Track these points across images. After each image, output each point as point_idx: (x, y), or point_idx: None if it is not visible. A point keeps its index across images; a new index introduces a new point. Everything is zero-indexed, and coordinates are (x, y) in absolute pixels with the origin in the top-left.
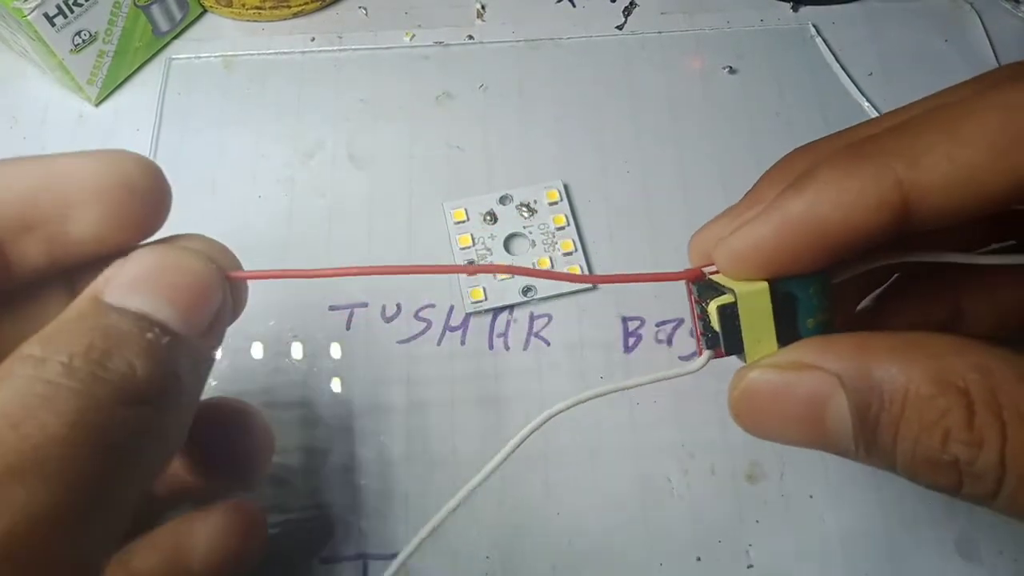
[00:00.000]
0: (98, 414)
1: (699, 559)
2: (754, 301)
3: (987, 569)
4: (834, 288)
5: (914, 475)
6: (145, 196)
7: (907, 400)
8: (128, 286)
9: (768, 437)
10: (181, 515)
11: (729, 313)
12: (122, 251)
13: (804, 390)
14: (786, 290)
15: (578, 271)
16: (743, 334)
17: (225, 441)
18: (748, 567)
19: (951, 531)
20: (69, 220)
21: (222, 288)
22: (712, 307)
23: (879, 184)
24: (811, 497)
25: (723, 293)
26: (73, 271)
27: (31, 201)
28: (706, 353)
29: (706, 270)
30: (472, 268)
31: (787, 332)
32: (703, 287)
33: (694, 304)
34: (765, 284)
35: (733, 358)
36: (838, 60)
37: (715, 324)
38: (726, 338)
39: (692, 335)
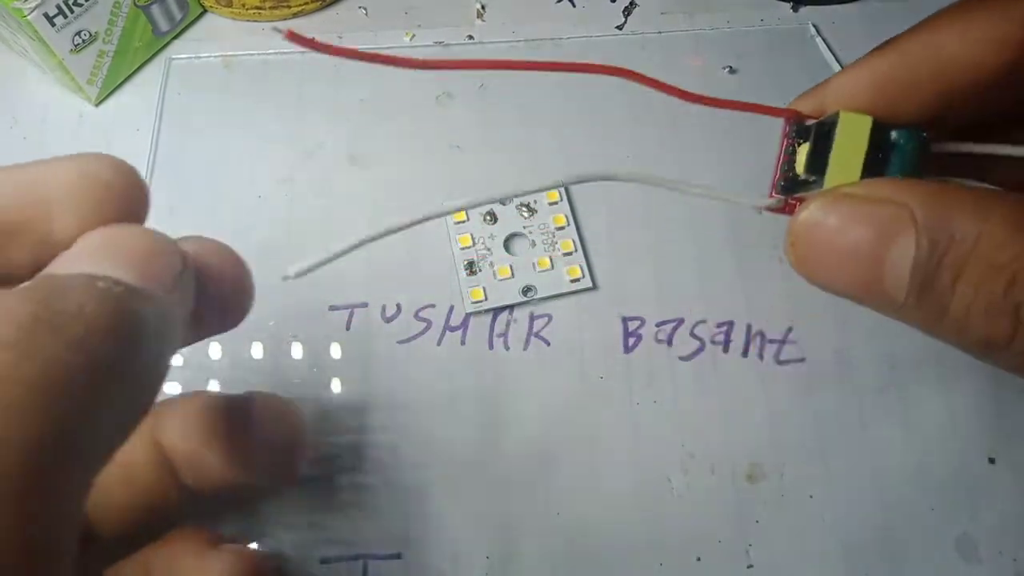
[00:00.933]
0: (37, 363)
1: (699, 559)
2: (854, 127)
3: (987, 569)
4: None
5: (964, 326)
6: (119, 193)
7: (979, 242)
8: (73, 257)
9: (818, 276)
10: (186, 551)
11: (826, 132)
12: None
13: (872, 223)
14: (888, 136)
15: (578, 272)
16: (831, 155)
17: (263, 434)
18: (748, 567)
19: (951, 531)
20: (51, 222)
21: (178, 252)
22: (805, 146)
23: (1005, 21)
24: (811, 497)
25: None
26: None
27: (13, 207)
28: (775, 197)
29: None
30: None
31: (875, 174)
32: (801, 130)
33: (785, 144)
34: (870, 117)
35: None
36: (838, 60)
37: (801, 164)
38: (812, 155)
39: (771, 178)
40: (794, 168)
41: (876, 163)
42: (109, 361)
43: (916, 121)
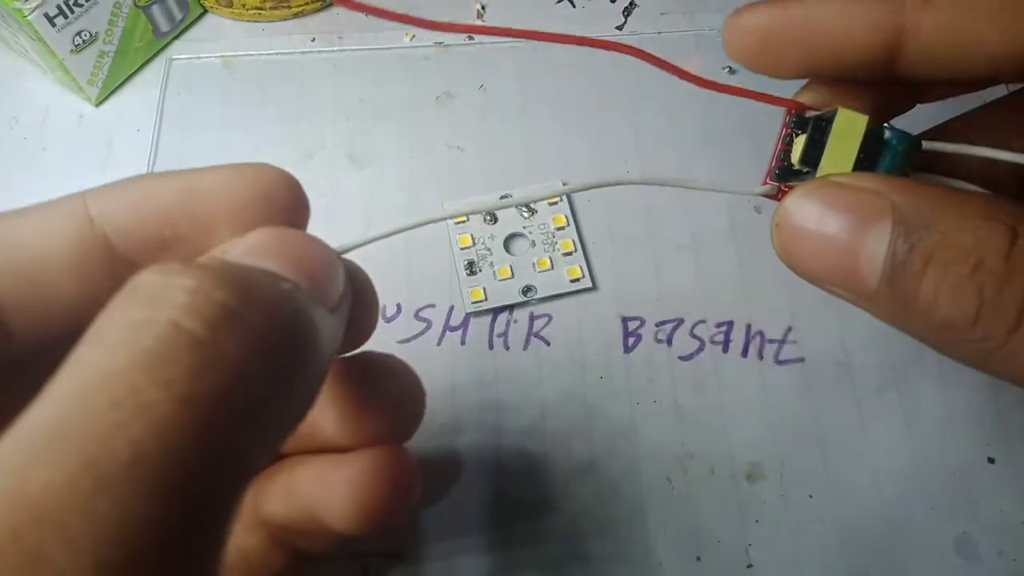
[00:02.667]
0: (223, 377)
1: (699, 559)
2: (850, 123)
3: (987, 569)
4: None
5: (931, 310)
6: (285, 211)
7: (951, 227)
8: (253, 250)
9: (798, 255)
10: (316, 458)
11: (823, 126)
12: None
13: (853, 211)
14: (882, 135)
15: (578, 272)
16: (826, 149)
17: (375, 393)
18: (748, 567)
19: (951, 531)
20: (209, 238)
21: (344, 271)
22: (801, 137)
23: (884, 5)
24: (811, 497)
25: None
26: None
27: (170, 218)
28: (769, 184)
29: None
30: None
31: (866, 167)
32: (801, 121)
33: (783, 133)
34: (866, 116)
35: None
36: None
37: (798, 147)
38: (808, 147)
39: (767, 163)
40: (790, 157)
41: (867, 160)
42: (286, 374)
43: (794, 75)
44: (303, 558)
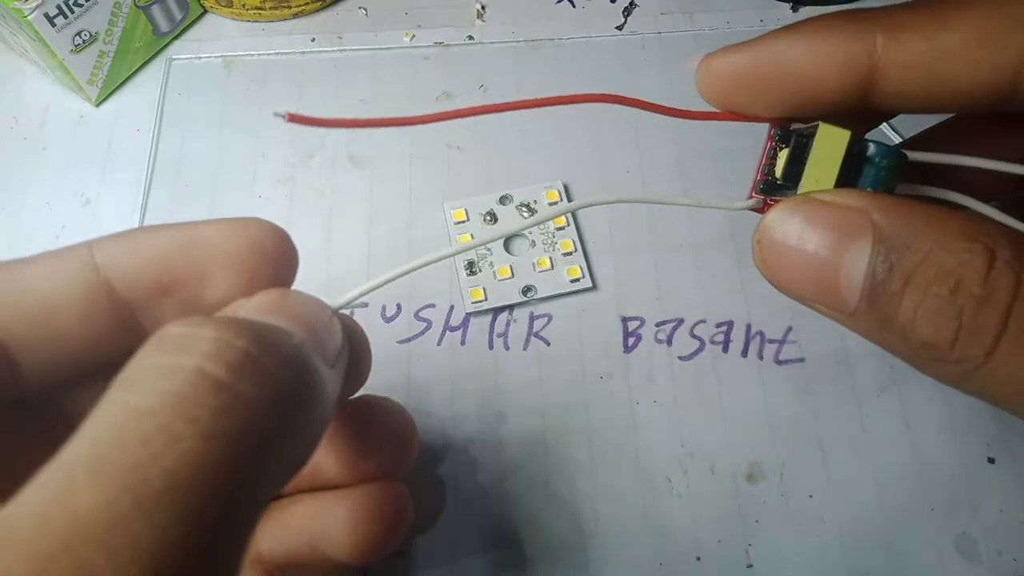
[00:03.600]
0: (242, 416)
1: (699, 559)
2: (832, 138)
3: (987, 569)
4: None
5: (910, 330)
6: (276, 261)
7: (931, 248)
8: (261, 308)
9: (778, 271)
10: (315, 495)
11: (804, 141)
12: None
13: (834, 227)
14: (865, 150)
15: (578, 272)
16: (807, 164)
17: (371, 434)
18: (748, 567)
19: (951, 531)
20: (205, 285)
21: (340, 329)
22: (785, 150)
23: (854, 45)
24: (811, 497)
25: None
26: None
27: (169, 266)
28: (754, 198)
29: (795, 124)
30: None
31: (848, 182)
32: (784, 135)
33: (768, 146)
34: (848, 131)
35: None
36: None
37: (781, 161)
38: (790, 162)
39: (752, 178)
40: (774, 172)
41: (850, 175)
42: (297, 415)
43: (768, 115)
44: None
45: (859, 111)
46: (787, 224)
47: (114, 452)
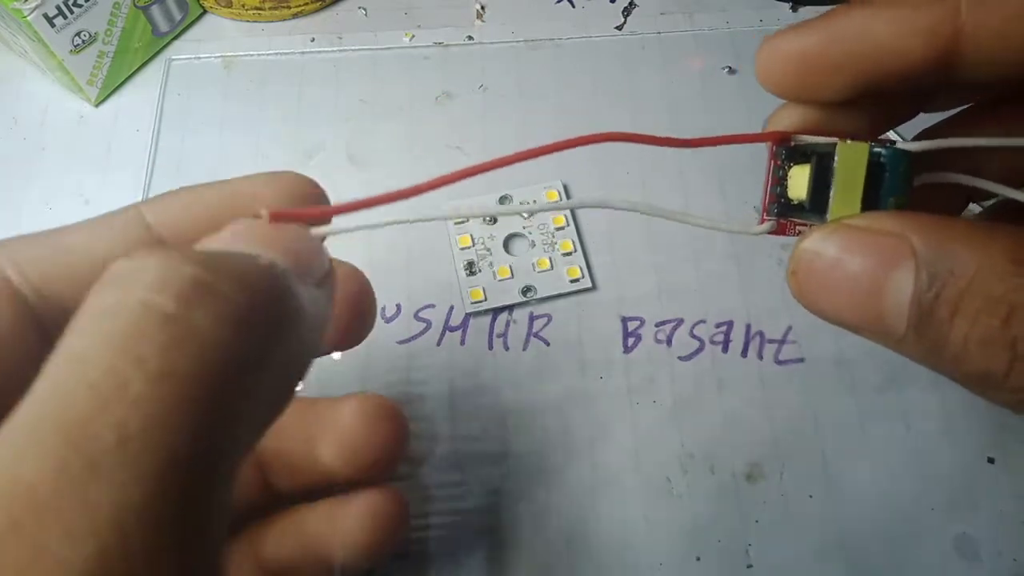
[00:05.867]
0: (197, 349)
1: (699, 559)
2: (853, 155)
3: (987, 569)
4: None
5: (962, 359)
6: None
7: (977, 273)
8: (225, 239)
9: (818, 305)
10: (317, 502)
11: (826, 165)
12: None
13: (872, 255)
14: (879, 159)
15: (578, 272)
16: (833, 189)
17: (366, 432)
18: (748, 567)
19: (951, 531)
20: None
21: (325, 250)
22: (797, 169)
23: (939, 13)
24: (811, 497)
25: (808, 157)
26: None
27: (216, 221)
28: (768, 222)
29: (795, 136)
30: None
31: (870, 204)
32: (788, 152)
33: (772, 167)
34: (867, 143)
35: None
36: None
37: (795, 189)
38: (814, 192)
39: (757, 205)
40: (786, 192)
41: (872, 188)
42: (267, 344)
43: (838, 99)
44: None
45: (939, 83)
46: (824, 255)
47: (58, 408)
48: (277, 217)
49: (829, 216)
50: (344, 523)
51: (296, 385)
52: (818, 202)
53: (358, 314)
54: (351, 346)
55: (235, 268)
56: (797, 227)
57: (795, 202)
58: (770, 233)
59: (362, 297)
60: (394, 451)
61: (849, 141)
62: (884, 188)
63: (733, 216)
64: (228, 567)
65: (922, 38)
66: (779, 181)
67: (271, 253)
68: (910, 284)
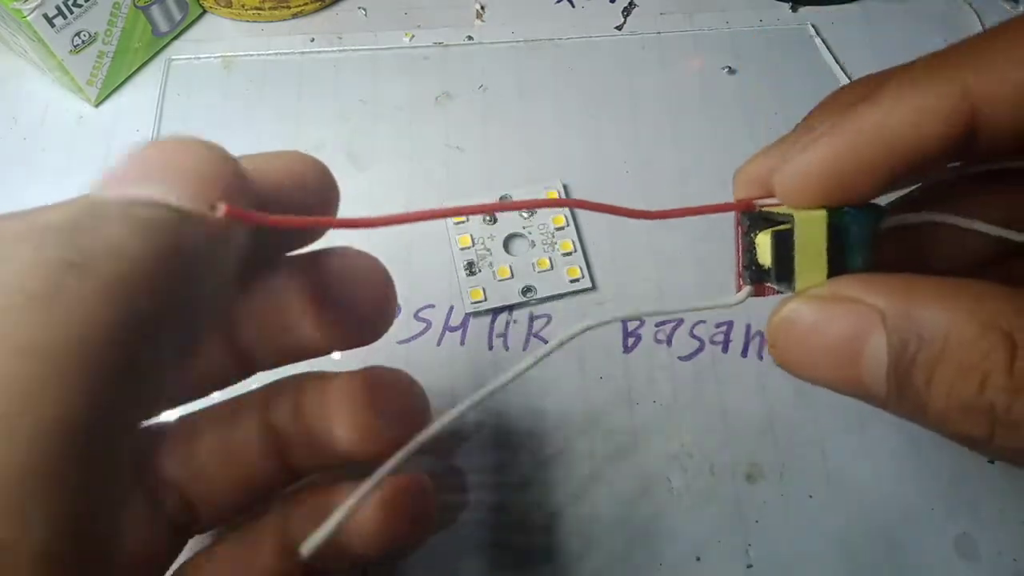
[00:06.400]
0: (73, 330)
1: (699, 559)
2: (811, 228)
3: (987, 569)
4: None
5: (944, 423)
6: (317, 192)
7: (947, 341)
8: (118, 178)
9: (800, 372)
10: (346, 484)
11: (784, 239)
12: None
13: (844, 323)
14: (840, 221)
15: (578, 272)
16: (795, 262)
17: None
18: (748, 567)
19: (951, 531)
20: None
21: (232, 165)
22: (762, 237)
23: (950, 93)
24: (811, 497)
25: (774, 223)
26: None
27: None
28: (745, 289)
29: (758, 202)
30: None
31: (836, 266)
32: (753, 219)
33: (741, 236)
34: (824, 212)
35: (767, 298)
36: (837, 60)
37: (764, 255)
38: (777, 264)
39: (734, 271)
40: (756, 259)
41: (837, 250)
42: (151, 305)
43: (869, 197)
44: None
45: (962, 155)
46: (797, 325)
47: None
48: (233, 215)
49: (796, 285)
50: (366, 509)
51: (205, 319)
52: (784, 271)
53: (375, 307)
54: (368, 342)
55: (105, 237)
56: (775, 290)
57: (765, 268)
58: (753, 296)
59: (380, 289)
60: (414, 426)
61: (806, 212)
62: (849, 249)
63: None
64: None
65: (941, 125)
66: (748, 248)
67: (160, 187)
68: (883, 352)
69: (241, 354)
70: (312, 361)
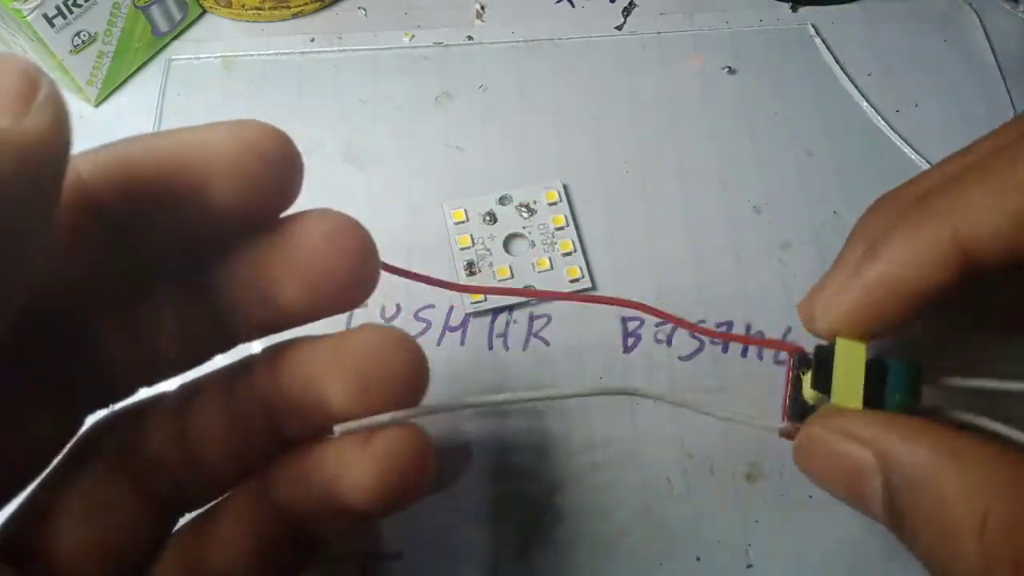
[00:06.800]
0: None
1: (699, 559)
2: (851, 352)
3: None
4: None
5: (937, 560)
6: (277, 163)
7: (936, 501)
8: None
9: (818, 485)
10: (333, 439)
11: (825, 356)
12: (258, 226)
13: (849, 460)
14: (884, 362)
15: (578, 272)
16: (834, 378)
17: (378, 365)
18: (748, 567)
19: None
20: (203, 195)
21: (30, 71)
22: (808, 375)
23: (940, 243)
24: (811, 497)
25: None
26: (202, 257)
27: (164, 176)
28: (788, 423)
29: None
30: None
31: (875, 396)
32: (803, 359)
33: (790, 375)
34: (864, 344)
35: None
36: (837, 60)
37: (808, 391)
38: (816, 374)
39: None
40: (801, 396)
41: (876, 383)
42: None
43: (892, 330)
44: (318, 550)
45: (975, 279)
46: (815, 451)
47: None
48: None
49: (833, 399)
50: (360, 464)
51: (25, 242)
52: (821, 381)
53: (357, 268)
54: (353, 305)
55: None
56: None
57: (810, 404)
58: (786, 436)
59: (361, 249)
60: (412, 385)
61: (847, 340)
62: (889, 386)
63: (735, 225)
64: None
65: (938, 268)
66: (796, 387)
67: None
68: (879, 492)
69: (221, 323)
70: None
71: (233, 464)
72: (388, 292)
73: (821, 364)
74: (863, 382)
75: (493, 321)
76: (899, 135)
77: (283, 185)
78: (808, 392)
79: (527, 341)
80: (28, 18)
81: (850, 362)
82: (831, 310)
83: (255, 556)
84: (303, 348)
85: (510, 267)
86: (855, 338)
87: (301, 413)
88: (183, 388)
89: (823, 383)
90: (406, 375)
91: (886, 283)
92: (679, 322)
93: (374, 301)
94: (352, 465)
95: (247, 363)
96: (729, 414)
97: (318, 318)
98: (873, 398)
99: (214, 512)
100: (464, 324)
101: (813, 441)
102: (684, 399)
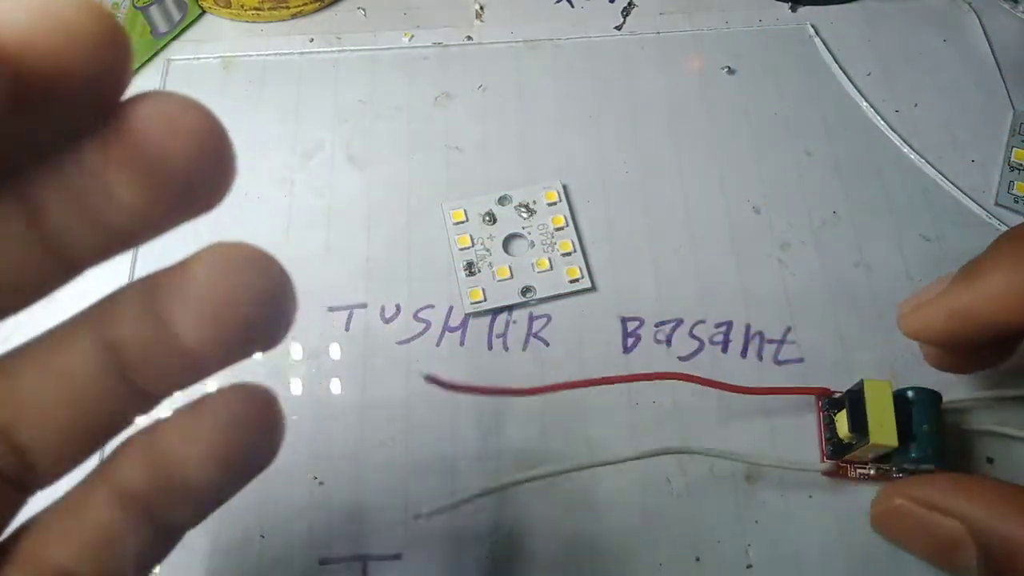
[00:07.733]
0: None
1: (699, 559)
2: (878, 391)
3: None
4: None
5: None
6: (88, 45)
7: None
8: None
9: (903, 544)
10: (170, 416)
11: (857, 399)
12: (83, 123)
13: (939, 532)
14: (906, 395)
15: (577, 272)
16: (867, 415)
17: (229, 289)
18: (748, 567)
19: None
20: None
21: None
22: (840, 416)
23: (1005, 280)
24: (811, 497)
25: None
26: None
27: None
28: (829, 463)
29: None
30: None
31: (905, 427)
32: (831, 401)
33: (821, 416)
34: (889, 382)
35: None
36: (836, 60)
37: (842, 430)
38: (852, 417)
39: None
40: (836, 434)
41: (905, 414)
42: None
43: (972, 345)
44: (171, 534)
45: None
46: (898, 525)
47: None
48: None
49: (871, 438)
50: (200, 431)
51: None
52: (857, 424)
53: (204, 161)
54: (206, 208)
55: None
56: (855, 468)
57: (845, 441)
58: (830, 474)
59: (207, 138)
60: (272, 308)
61: (874, 380)
62: (915, 417)
63: (735, 225)
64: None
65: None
66: (829, 427)
67: None
68: (972, 559)
69: (54, 246)
70: None
71: (80, 426)
72: (388, 292)
73: (854, 407)
74: (893, 416)
75: (492, 321)
76: (898, 135)
77: (99, 72)
78: (844, 433)
79: (527, 341)
80: None
81: (880, 401)
82: (914, 323)
83: (105, 547)
84: (152, 282)
85: (509, 267)
86: (933, 345)
87: (151, 359)
88: (7, 353)
89: (860, 425)
90: (264, 298)
91: (967, 312)
92: (722, 387)
93: (374, 301)
94: (186, 435)
95: (86, 310)
96: (775, 461)
97: (167, 225)
98: (904, 432)
99: (60, 503)
100: (464, 324)
101: (900, 515)
102: (736, 454)
